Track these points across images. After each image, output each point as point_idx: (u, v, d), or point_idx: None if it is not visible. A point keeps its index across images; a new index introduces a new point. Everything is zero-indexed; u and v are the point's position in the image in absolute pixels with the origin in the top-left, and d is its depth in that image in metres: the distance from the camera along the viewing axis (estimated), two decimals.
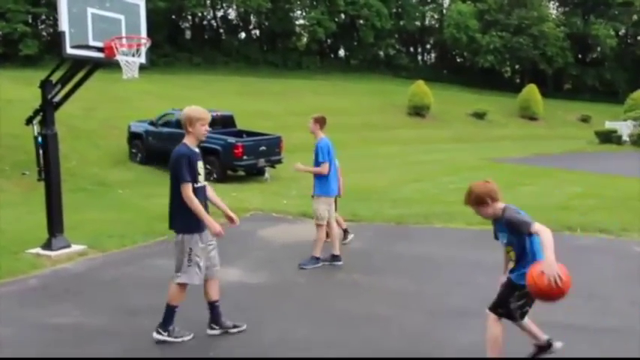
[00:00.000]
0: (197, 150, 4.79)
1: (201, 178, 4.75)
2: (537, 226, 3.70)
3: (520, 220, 3.81)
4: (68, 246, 7.73)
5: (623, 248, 7.85)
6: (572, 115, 41.63)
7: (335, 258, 7.24)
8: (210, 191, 4.95)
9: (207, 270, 4.83)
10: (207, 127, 4.77)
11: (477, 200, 3.93)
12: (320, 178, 7.13)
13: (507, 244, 4.01)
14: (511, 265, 4.06)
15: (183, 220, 4.69)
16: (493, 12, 48.73)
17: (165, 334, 4.79)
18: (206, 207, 4.74)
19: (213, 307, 4.98)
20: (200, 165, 4.76)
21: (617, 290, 6.04)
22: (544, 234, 3.65)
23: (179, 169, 4.60)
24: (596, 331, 4.94)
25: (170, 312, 4.79)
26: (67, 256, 7.50)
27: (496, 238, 4.11)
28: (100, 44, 7.36)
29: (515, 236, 3.88)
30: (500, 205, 3.94)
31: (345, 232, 8.41)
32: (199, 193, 4.69)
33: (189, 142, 4.74)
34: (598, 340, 4.76)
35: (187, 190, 4.59)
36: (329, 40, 51.78)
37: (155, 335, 4.79)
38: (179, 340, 4.80)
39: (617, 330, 4.97)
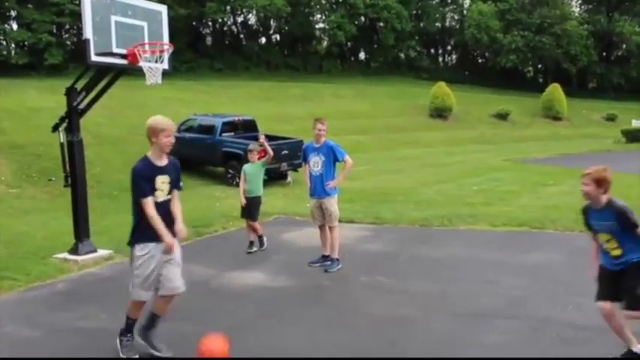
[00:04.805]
0: (160, 163, 4.45)
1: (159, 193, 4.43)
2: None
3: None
4: (94, 251, 7.83)
5: None
6: (598, 114, 40.99)
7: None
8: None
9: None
10: (171, 139, 4.44)
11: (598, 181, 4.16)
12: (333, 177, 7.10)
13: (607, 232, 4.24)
14: (616, 252, 4.21)
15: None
16: (514, 11, 48.18)
17: None
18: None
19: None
20: (161, 180, 4.43)
21: None
22: None
23: (133, 185, 4.38)
24: None
25: None
26: (93, 261, 7.59)
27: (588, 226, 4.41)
28: (123, 51, 7.45)
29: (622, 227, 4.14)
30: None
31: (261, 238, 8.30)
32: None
33: (153, 155, 4.46)
34: None
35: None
36: (349, 43, 51.75)
37: None
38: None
39: None
